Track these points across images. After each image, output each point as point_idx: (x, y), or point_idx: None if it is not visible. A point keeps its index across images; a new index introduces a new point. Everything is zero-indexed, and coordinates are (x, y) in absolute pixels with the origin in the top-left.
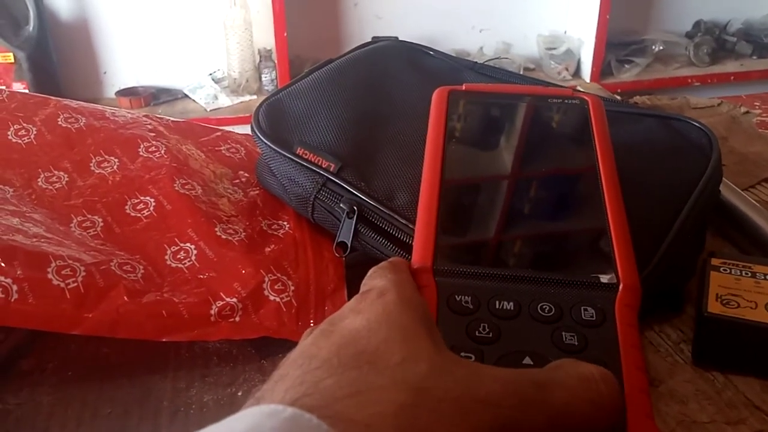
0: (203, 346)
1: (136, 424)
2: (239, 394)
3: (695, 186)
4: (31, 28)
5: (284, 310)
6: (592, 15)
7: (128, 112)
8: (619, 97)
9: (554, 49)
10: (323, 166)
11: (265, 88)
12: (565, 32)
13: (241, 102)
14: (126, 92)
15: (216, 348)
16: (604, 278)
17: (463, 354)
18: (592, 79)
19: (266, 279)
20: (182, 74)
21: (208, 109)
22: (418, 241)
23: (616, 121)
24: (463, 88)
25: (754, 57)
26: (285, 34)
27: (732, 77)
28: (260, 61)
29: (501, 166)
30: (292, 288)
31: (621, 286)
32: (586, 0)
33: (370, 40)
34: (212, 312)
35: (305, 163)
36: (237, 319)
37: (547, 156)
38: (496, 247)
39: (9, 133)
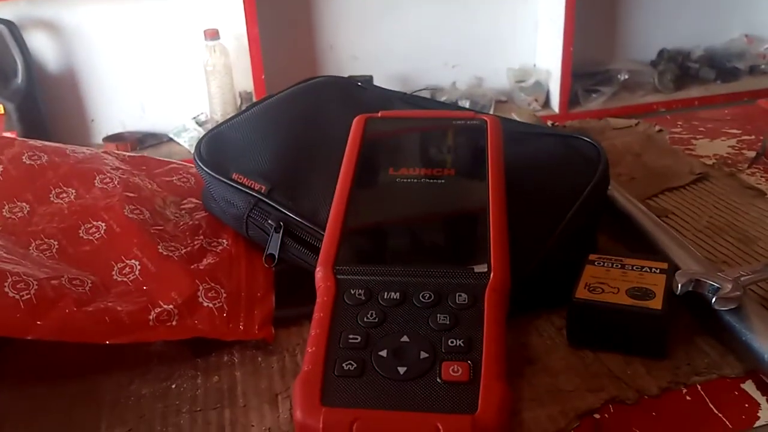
0: (145, 348)
1: (81, 414)
2: (173, 386)
3: (581, 193)
4: (19, 81)
5: (216, 314)
6: (558, 48)
7: (88, 149)
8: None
9: (524, 81)
10: (255, 188)
11: None
12: (534, 65)
13: None
14: (113, 138)
15: (156, 349)
16: (479, 268)
17: (350, 336)
18: (560, 109)
19: (201, 288)
20: (167, 119)
21: (192, 151)
22: (324, 245)
23: (520, 141)
24: (379, 114)
25: (718, 82)
26: (263, 77)
27: (696, 102)
28: (241, 103)
29: (403, 178)
30: (224, 295)
31: (492, 275)
32: (553, 34)
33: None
34: (151, 317)
35: (239, 186)
36: (173, 323)
37: (444, 168)
38: (391, 247)
39: None
